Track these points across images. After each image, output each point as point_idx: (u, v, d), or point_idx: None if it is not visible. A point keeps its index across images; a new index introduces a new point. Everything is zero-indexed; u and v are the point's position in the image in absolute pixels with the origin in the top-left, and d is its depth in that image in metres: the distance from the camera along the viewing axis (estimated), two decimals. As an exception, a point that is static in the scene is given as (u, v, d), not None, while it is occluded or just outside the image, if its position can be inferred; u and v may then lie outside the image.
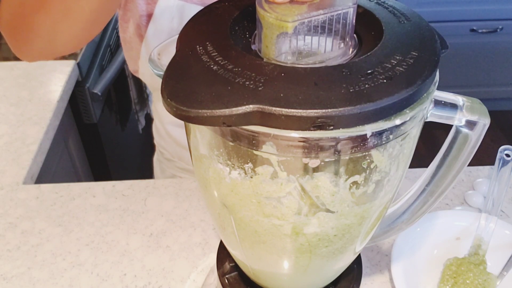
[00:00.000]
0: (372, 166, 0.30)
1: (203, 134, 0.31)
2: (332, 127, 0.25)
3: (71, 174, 1.14)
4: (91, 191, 0.70)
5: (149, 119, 1.66)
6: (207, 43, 0.29)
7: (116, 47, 1.37)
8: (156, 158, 0.91)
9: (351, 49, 0.31)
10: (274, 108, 0.25)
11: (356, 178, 0.30)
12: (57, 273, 0.60)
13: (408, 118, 0.28)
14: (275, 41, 0.29)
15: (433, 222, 0.61)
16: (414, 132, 0.32)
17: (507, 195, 0.69)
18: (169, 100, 0.26)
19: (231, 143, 0.29)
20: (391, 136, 0.29)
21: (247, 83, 0.26)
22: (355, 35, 0.32)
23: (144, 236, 0.64)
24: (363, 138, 0.27)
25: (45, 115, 0.90)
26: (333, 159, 0.28)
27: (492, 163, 0.65)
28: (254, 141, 0.28)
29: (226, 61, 0.28)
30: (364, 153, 0.29)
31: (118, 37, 1.40)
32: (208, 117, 0.25)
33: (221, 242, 0.46)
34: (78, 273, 0.59)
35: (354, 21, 0.30)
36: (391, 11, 0.33)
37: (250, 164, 0.30)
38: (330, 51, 0.30)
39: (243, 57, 0.28)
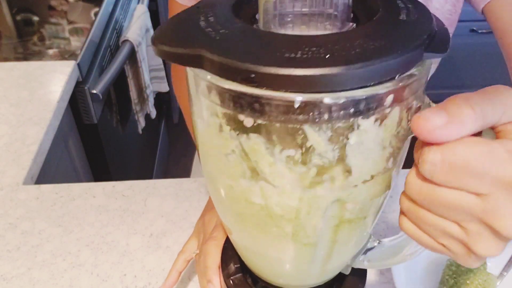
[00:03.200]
0: (307, 144, 0.27)
1: (196, 82, 0.30)
2: (256, 84, 0.24)
3: (71, 174, 1.14)
4: (91, 192, 0.70)
5: (149, 120, 1.66)
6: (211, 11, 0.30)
7: (116, 47, 1.37)
8: None
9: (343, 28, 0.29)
10: (214, 55, 0.25)
11: (291, 152, 0.27)
12: (57, 274, 0.60)
13: (346, 99, 0.24)
14: (262, 10, 0.29)
15: (433, 223, 0.61)
16: (370, 126, 0.27)
17: (507, 195, 0.69)
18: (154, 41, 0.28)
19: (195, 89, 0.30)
20: (332, 115, 0.25)
21: (213, 34, 0.27)
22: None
23: (144, 237, 0.64)
24: (290, 107, 0.25)
25: (45, 116, 0.90)
26: (265, 122, 0.26)
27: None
28: (206, 88, 0.28)
29: (216, 23, 0.28)
30: (294, 125, 0.26)
31: (118, 37, 1.40)
32: (166, 53, 0.27)
33: (225, 242, 0.46)
34: (78, 274, 0.59)
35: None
36: None
37: (204, 113, 0.30)
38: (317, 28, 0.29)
39: (234, 24, 0.28)
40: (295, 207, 0.30)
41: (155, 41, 0.28)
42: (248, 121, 0.27)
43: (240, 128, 0.27)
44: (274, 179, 0.29)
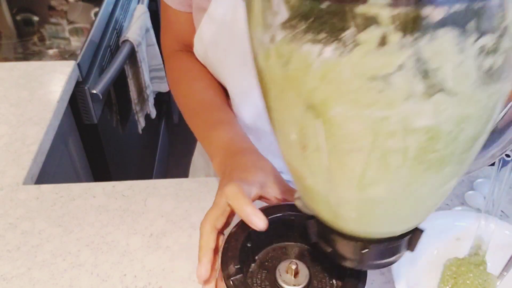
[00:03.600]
0: (504, 23, 0.23)
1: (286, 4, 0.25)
2: None
3: (71, 174, 1.14)
4: (91, 192, 0.70)
5: (149, 120, 1.66)
6: None
7: (116, 47, 1.37)
8: (198, 152, 0.90)
9: None
10: None
11: (487, 39, 0.23)
12: (57, 274, 0.60)
13: None
14: None
15: (433, 223, 0.61)
16: None
17: (507, 195, 0.69)
18: None
19: (325, 3, 0.23)
20: None
21: None
22: None
23: (144, 237, 0.64)
24: None
25: (45, 116, 0.90)
26: (463, 7, 0.22)
27: (492, 164, 0.65)
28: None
29: None
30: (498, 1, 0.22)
31: (118, 37, 1.40)
32: None
33: (225, 242, 0.46)
34: (78, 274, 0.59)
35: None
36: None
37: (350, 30, 0.23)
38: None
39: None
40: (467, 116, 0.26)
41: None
42: (439, 12, 0.22)
43: (421, 28, 0.22)
44: (456, 85, 0.24)
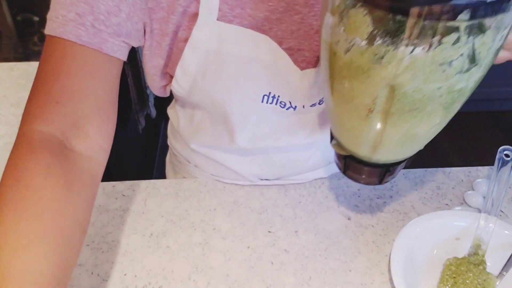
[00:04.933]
0: None
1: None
2: None
3: (71, 174, 1.14)
4: (91, 192, 0.70)
5: (149, 120, 1.66)
6: None
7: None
8: (168, 160, 0.90)
9: None
10: None
11: (505, 32, 0.37)
12: (58, 273, 0.60)
13: None
14: None
15: (433, 222, 0.61)
16: None
17: (507, 195, 0.69)
18: None
19: (426, 22, 0.34)
20: None
21: None
22: None
23: (144, 237, 0.64)
24: None
25: (45, 116, 0.90)
26: (503, 16, 0.35)
27: (492, 164, 0.65)
28: (451, 13, 0.34)
29: None
30: None
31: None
32: None
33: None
34: (78, 273, 0.60)
35: None
36: None
37: (437, 36, 0.35)
38: None
39: None
40: (480, 78, 0.41)
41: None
42: (491, 21, 0.35)
43: (480, 31, 0.35)
44: (485, 60, 0.38)
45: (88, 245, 0.63)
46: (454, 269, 0.58)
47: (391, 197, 0.69)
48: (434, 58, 0.36)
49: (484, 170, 0.73)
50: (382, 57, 0.37)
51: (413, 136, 0.45)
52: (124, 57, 0.53)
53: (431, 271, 0.59)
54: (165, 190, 0.70)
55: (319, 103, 0.61)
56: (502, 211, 0.67)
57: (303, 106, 0.61)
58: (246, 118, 0.62)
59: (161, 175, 0.95)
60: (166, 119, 0.86)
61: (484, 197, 0.67)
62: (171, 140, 0.83)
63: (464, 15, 0.34)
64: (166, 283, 0.58)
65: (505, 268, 0.58)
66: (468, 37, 0.35)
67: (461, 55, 0.36)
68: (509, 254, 0.59)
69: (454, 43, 0.35)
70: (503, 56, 0.45)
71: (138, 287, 0.58)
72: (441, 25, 0.34)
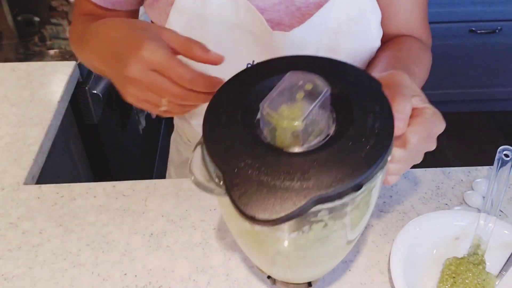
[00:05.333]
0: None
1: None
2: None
3: (72, 174, 1.15)
4: (92, 192, 0.71)
5: (149, 120, 1.66)
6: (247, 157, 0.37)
7: (116, 48, 1.38)
8: (173, 138, 0.91)
9: (333, 120, 0.40)
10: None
11: (371, 190, 0.40)
12: (58, 273, 0.60)
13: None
14: (290, 137, 0.37)
15: (432, 222, 0.61)
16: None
17: (506, 195, 0.69)
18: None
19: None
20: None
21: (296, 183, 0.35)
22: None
23: (144, 236, 0.64)
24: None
25: (46, 116, 0.90)
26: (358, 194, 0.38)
27: (491, 164, 0.65)
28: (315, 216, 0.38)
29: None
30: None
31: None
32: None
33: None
34: (79, 273, 0.60)
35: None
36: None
37: (307, 226, 0.39)
38: (325, 127, 0.40)
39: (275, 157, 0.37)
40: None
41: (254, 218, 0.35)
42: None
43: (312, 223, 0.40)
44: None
45: (88, 245, 0.63)
46: (454, 269, 0.58)
47: (391, 197, 0.69)
48: (309, 238, 0.41)
49: (483, 170, 0.74)
50: (267, 236, 0.42)
51: (322, 256, 0.47)
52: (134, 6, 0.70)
53: (430, 271, 0.59)
54: (165, 190, 0.71)
55: None
56: (501, 211, 0.67)
57: None
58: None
59: (162, 175, 0.95)
60: (166, 119, 0.86)
61: (483, 197, 0.67)
62: (176, 119, 0.85)
63: (324, 212, 0.37)
64: (166, 283, 0.59)
65: (504, 267, 0.58)
66: (335, 220, 0.39)
67: (334, 230, 0.41)
68: (509, 254, 0.59)
69: (324, 227, 0.40)
70: (391, 178, 0.45)
71: (138, 287, 0.58)
72: (306, 221, 0.38)
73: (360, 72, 0.43)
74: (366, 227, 0.65)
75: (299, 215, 0.34)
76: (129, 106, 1.49)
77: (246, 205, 0.34)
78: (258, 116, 0.39)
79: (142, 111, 1.55)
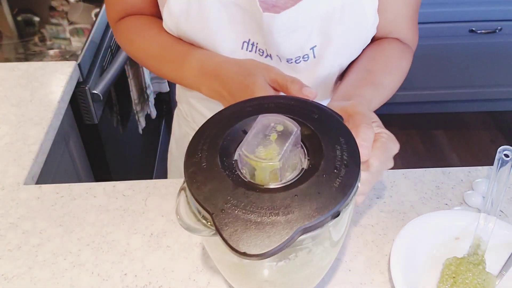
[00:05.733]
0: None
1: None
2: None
3: (72, 174, 1.15)
4: (92, 192, 0.71)
5: (149, 120, 1.66)
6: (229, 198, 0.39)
7: (116, 48, 1.38)
8: (176, 113, 0.93)
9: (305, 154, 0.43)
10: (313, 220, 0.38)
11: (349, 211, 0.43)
12: (58, 273, 0.60)
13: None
14: (268, 175, 0.40)
15: (432, 222, 0.61)
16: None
17: (506, 195, 0.69)
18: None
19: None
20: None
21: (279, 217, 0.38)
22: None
23: (144, 236, 0.64)
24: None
25: (46, 116, 0.90)
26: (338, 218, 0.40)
27: (491, 164, 0.65)
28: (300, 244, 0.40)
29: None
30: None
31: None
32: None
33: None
34: (79, 273, 0.60)
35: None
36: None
37: (293, 254, 0.42)
38: (298, 162, 0.42)
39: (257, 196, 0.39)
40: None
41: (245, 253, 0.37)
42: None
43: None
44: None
45: (88, 245, 0.63)
46: (454, 269, 0.58)
47: (390, 197, 0.69)
48: (296, 264, 0.43)
49: (483, 170, 0.74)
50: (255, 266, 0.45)
51: (307, 277, 0.49)
52: None
53: (430, 271, 0.59)
54: (165, 190, 0.71)
55: (295, 61, 0.64)
56: (501, 211, 0.67)
57: (279, 59, 0.64)
58: (232, 55, 0.65)
59: (162, 175, 0.95)
60: (166, 119, 0.86)
61: (483, 197, 0.67)
62: (177, 94, 0.88)
63: (308, 240, 0.39)
64: (166, 283, 0.59)
65: (504, 267, 0.58)
66: (318, 245, 0.42)
67: (318, 253, 0.43)
68: (509, 254, 0.59)
69: (308, 252, 0.43)
70: (359, 198, 0.49)
71: (138, 286, 0.58)
72: (292, 250, 0.40)
73: (323, 108, 0.47)
74: (366, 227, 0.65)
75: (287, 246, 0.37)
76: (129, 106, 1.49)
77: (237, 242, 0.37)
78: (235, 157, 0.42)
79: (142, 111, 1.55)
